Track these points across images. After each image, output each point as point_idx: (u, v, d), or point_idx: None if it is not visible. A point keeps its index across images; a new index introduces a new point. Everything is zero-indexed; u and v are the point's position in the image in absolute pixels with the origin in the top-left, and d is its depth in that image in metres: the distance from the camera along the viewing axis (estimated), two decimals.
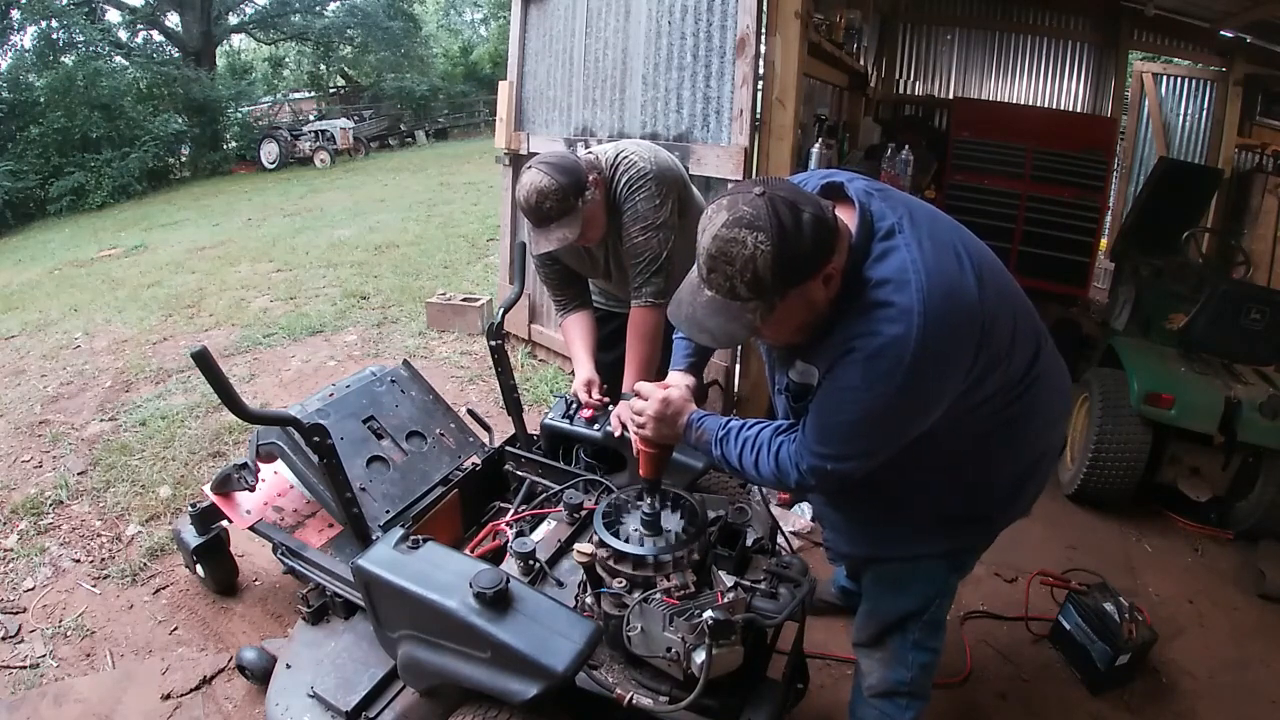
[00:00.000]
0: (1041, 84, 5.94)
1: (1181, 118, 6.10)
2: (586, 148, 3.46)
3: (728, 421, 1.39)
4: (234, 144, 15.77)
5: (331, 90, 21.85)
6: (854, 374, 1.13)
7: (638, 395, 1.46)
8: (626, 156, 1.97)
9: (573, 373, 2.16)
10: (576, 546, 1.46)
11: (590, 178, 1.89)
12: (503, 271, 4.33)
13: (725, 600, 1.29)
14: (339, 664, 1.66)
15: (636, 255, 1.97)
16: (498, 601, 1.25)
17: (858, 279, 1.13)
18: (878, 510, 1.45)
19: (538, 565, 1.58)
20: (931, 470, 1.36)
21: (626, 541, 1.37)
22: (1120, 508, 2.82)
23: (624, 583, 1.35)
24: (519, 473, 2.08)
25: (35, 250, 9.17)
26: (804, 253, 1.05)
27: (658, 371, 2.10)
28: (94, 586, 2.41)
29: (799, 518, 2.68)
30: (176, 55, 16.83)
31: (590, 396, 2.04)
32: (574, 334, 2.17)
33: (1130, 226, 4.63)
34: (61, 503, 2.87)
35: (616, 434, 1.90)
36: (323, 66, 22.17)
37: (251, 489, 2.03)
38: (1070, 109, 5.85)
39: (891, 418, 1.18)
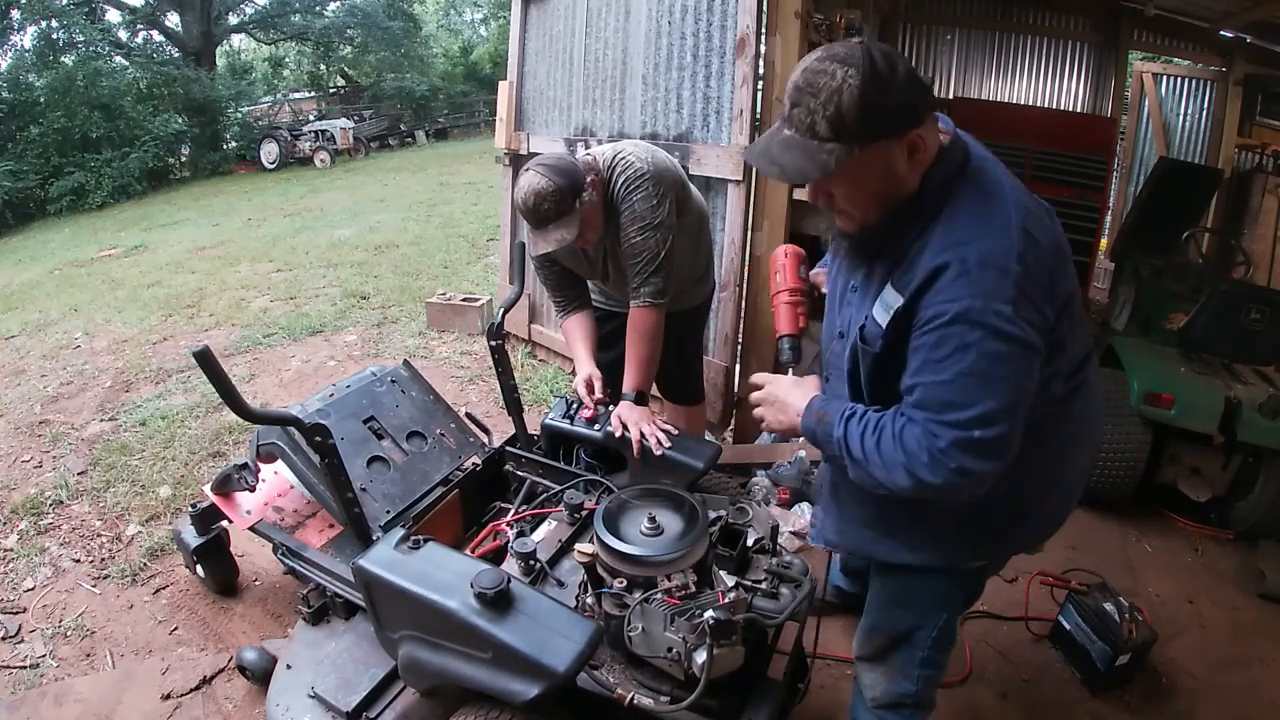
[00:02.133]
0: (1041, 84, 5.94)
1: (1181, 118, 6.10)
2: (586, 148, 3.46)
3: (855, 405, 1.20)
4: (234, 144, 15.77)
5: (331, 90, 21.85)
6: (961, 290, 1.00)
7: (753, 382, 1.36)
8: (624, 157, 1.98)
9: (573, 372, 2.17)
10: (577, 546, 1.46)
11: (588, 179, 1.89)
12: (503, 271, 4.33)
13: (726, 600, 1.29)
14: (339, 664, 1.66)
15: (635, 255, 1.97)
16: (498, 602, 1.25)
17: (946, 190, 1.06)
18: (896, 502, 1.21)
19: (538, 565, 1.58)
20: None
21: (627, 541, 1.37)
22: (1120, 508, 2.82)
23: (624, 583, 1.35)
24: (519, 473, 2.08)
25: (35, 250, 9.17)
26: (893, 101, 0.98)
27: (656, 372, 2.11)
28: (94, 586, 2.41)
29: (799, 518, 2.68)
30: (176, 55, 16.84)
31: (591, 394, 2.05)
32: (575, 333, 2.17)
33: (1130, 226, 4.63)
34: (61, 503, 2.87)
35: (617, 434, 1.91)
36: (323, 66, 22.17)
37: (252, 489, 2.03)
38: (1070, 109, 5.85)
39: (1016, 348, 1.01)
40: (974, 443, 1.02)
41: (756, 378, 1.36)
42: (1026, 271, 1.00)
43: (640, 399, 1.98)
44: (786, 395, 1.30)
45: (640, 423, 1.89)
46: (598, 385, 2.06)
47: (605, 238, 2.06)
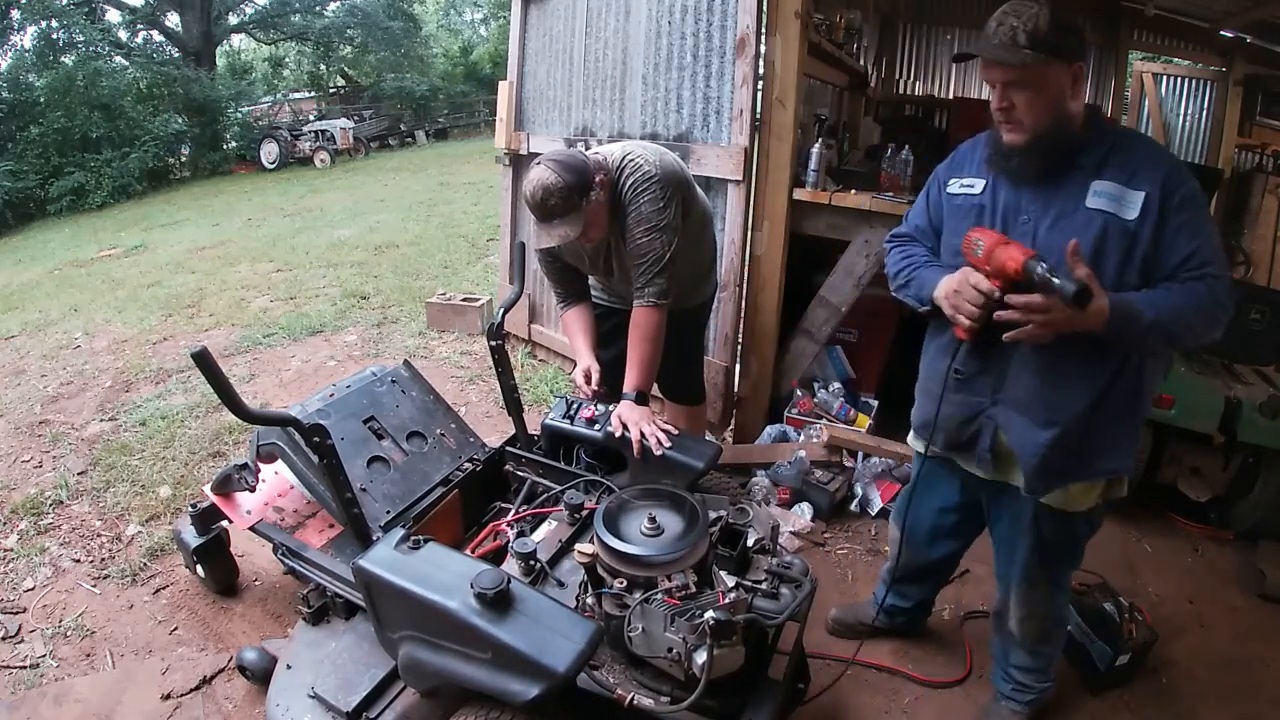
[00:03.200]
0: None
1: (1181, 118, 6.10)
2: (587, 148, 3.46)
3: (1141, 292, 1.33)
4: (234, 144, 15.77)
5: (331, 90, 21.85)
6: (1186, 177, 1.31)
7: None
8: (632, 159, 1.99)
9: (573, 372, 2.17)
10: (577, 547, 1.46)
11: (597, 178, 1.90)
12: (503, 271, 4.33)
13: (726, 601, 1.29)
14: (339, 664, 1.66)
15: (640, 256, 1.98)
16: (499, 602, 1.25)
17: (1112, 126, 1.40)
18: (1109, 407, 1.42)
19: (538, 565, 1.58)
20: (1143, 362, 1.41)
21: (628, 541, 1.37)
22: (1120, 508, 2.81)
23: (625, 583, 1.35)
24: (519, 473, 2.08)
25: (35, 250, 9.17)
26: (1070, 34, 1.30)
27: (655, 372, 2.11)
28: (94, 586, 2.41)
29: (799, 518, 2.68)
30: (176, 55, 16.84)
31: (589, 385, 2.07)
32: (575, 326, 2.20)
33: None
34: (61, 503, 2.87)
35: (617, 434, 1.90)
36: (323, 66, 22.17)
37: (252, 489, 2.03)
38: None
39: None
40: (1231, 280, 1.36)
41: (1015, 299, 1.31)
42: None
43: (641, 399, 1.98)
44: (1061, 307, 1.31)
45: (641, 423, 1.89)
46: (595, 376, 2.08)
47: (610, 236, 2.07)
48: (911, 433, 1.74)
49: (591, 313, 2.24)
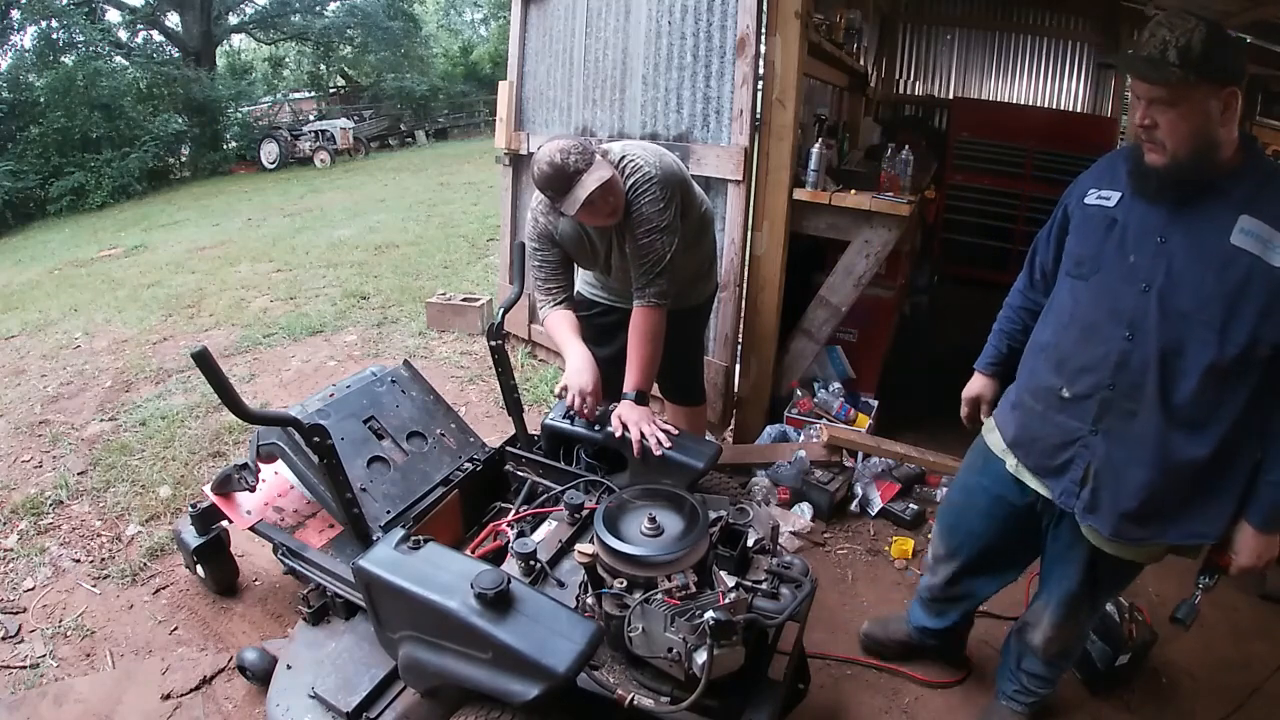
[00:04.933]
0: (1041, 84, 5.94)
1: None
2: None
3: None
4: (234, 144, 15.74)
5: (331, 90, 21.82)
6: None
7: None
8: (632, 159, 1.98)
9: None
10: (577, 547, 1.46)
11: (598, 158, 1.90)
12: (503, 271, 4.33)
13: (727, 601, 1.29)
14: (340, 664, 1.66)
15: (642, 257, 1.98)
16: (499, 602, 1.25)
17: (1267, 159, 1.29)
18: (1221, 461, 1.31)
19: (539, 566, 1.58)
20: (1256, 425, 1.30)
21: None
22: None
23: (625, 583, 1.35)
24: (520, 473, 2.08)
25: (35, 250, 9.16)
26: (1229, 55, 1.20)
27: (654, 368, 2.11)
28: (94, 586, 2.41)
29: (799, 518, 2.68)
30: (176, 55, 16.81)
31: (587, 392, 1.97)
32: (564, 327, 2.12)
33: None
34: (61, 503, 2.87)
35: (618, 434, 1.90)
36: (323, 66, 22.14)
37: (252, 489, 2.03)
38: (1070, 109, 5.85)
39: None
40: None
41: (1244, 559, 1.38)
42: None
43: (641, 399, 1.98)
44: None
45: (641, 423, 1.89)
46: (591, 400, 1.98)
47: (614, 231, 2.06)
48: (992, 432, 1.64)
49: (575, 316, 2.18)
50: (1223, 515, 1.35)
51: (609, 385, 2.07)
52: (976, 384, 1.79)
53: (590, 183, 1.81)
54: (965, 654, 2.08)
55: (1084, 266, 1.40)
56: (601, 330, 2.33)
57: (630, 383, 2.00)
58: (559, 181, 1.83)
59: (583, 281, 2.44)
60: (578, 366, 2.00)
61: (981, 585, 1.83)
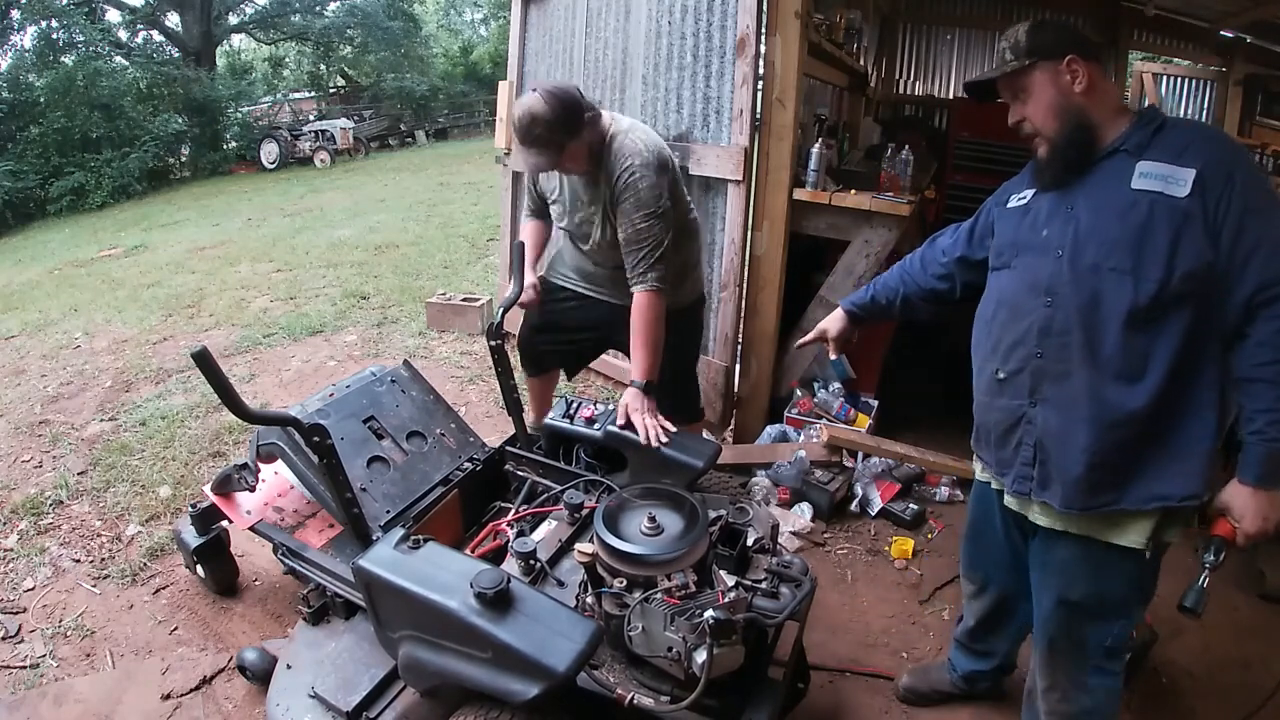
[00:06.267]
0: None
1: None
2: None
3: None
4: (234, 144, 15.74)
5: (331, 90, 21.83)
6: (1246, 161, 1.25)
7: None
8: (631, 140, 2.02)
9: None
10: (577, 546, 1.46)
11: (587, 116, 1.96)
12: (503, 271, 4.33)
13: (726, 600, 1.29)
14: (339, 664, 1.66)
15: (639, 241, 2.00)
16: (498, 602, 1.25)
17: (1157, 116, 1.32)
18: (1165, 414, 1.26)
19: (538, 565, 1.58)
20: (1218, 381, 1.26)
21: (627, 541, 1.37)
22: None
23: (624, 582, 1.35)
24: (519, 473, 2.08)
25: (35, 250, 9.16)
26: (1047, 33, 1.34)
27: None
28: (94, 586, 2.41)
29: (799, 518, 2.68)
30: (176, 55, 16.82)
31: (532, 293, 2.21)
32: (530, 237, 2.33)
33: None
34: (61, 503, 2.87)
35: (620, 422, 1.92)
36: (323, 66, 22.15)
37: (252, 489, 2.03)
38: None
39: None
40: None
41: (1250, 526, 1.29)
42: None
43: (649, 388, 1.97)
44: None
45: (644, 413, 1.89)
46: (531, 295, 2.22)
47: (597, 202, 2.10)
48: (978, 461, 1.62)
49: (547, 231, 2.39)
50: (1190, 475, 1.28)
51: (556, 356, 2.51)
52: (831, 317, 1.84)
53: (530, 163, 2.00)
54: (1003, 690, 1.96)
55: (1004, 255, 1.45)
56: (564, 310, 2.42)
57: (637, 371, 1.99)
58: (519, 135, 1.95)
59: (553, 269, 2.47)
60: (529, 275, 2.24)
61: (1024, 611, 1.66)
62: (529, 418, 2.49)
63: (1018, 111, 1.38)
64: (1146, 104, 1.47)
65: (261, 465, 2.01)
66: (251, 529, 2.03)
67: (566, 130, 1.91)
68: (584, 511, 1.76)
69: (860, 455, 2.89)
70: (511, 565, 1.58)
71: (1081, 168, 1.33)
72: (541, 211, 2.37)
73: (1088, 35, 1.42)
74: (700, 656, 1.23)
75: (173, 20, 17.45)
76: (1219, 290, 1.22)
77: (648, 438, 1.86)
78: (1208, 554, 1.34)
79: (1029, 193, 1.45)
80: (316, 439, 1.60)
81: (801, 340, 1.93)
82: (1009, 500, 1.49)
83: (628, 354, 2.13)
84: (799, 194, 2.79)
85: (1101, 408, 1.29)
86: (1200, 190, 1.19)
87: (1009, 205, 1.49)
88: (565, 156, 1.97)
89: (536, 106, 1.88)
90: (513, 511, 1.89)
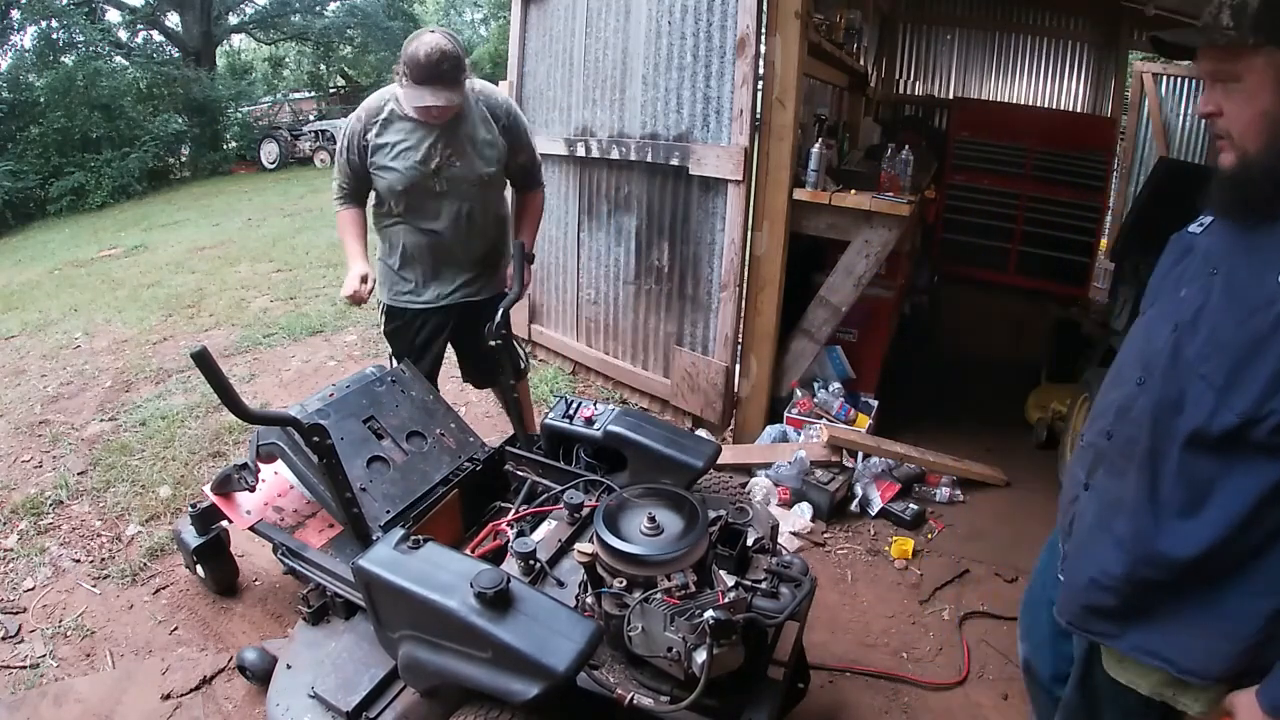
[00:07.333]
0: (1041, 84, 5.94)
1: (1181, 118, 6.10)
2: (587, 149, 3.46)
3: None
4: (234, 144, 15.74)
5: (331, 90, 21.82)
6: None
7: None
8: (493, 90, 2.30)
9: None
10: (577, 546, 1.46)
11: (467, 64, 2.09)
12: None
13: (726, 600, 1.29)
14: (339, 664, 1.66)
15: (533, 160, 2.43)
16: (498, 601, 1.25)
17: None
18: (1212, 571, 0.97)
19: (538, 565, 1.58)
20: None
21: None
22: None
23: (624, 582, 1.35)
24: (519, 473, 2.08)
25: (35, 250, 9.16)
26: None
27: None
28: (94, 586, 2.41)
29: (799, 518, 2.68)
30: (176, 55, 16.80)
31: (363, 289, 2.19)
32: (351, 228, 2.33)
33: (1130, 226, 4.62)
34: (61, 503, 2.87)
35: (529, 288, 2.32)
36: (323, 66, 22.14)
37: (252, 489, 2.03)
38: (1070, 109, 5.86)
39: None
40: None
41: None
42: None
43: (530, 258, 2.37)
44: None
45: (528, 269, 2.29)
46: (369, 285, 2.22)
47: (493, 134, 2.24)
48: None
49: (365, 218, 2.38)
50: (1211, 654, 0.99)
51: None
52: None
53: (443, 97, 2.00)
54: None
55: (1147, 300, 1.14)
56: (423, 335, 2.42)
57: (530, 244, 2.42)
58: (427, 73, 1.96)
59: (393, 293, 2.40)
60: (357, 265, 2.24)
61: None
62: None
63: (1213, 101, 0.99)
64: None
65: (261, 465, 2.01)
66: (251, 529, 2.03)
67: (464, 67, 2.02)
68: (584, 511, 1.76)
69: (860, 455, 2.89)
70: (511, 565, 1.58)
71: (1270, 212, 0.94)
72: (360, 195, 2.33)
73: None
74: (700, 656, 1.23)
75: (173, 20, 17.44)
76: None
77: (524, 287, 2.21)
78: None
79: (1208, 219, 1.09)
80: (316, 439, 1.60)
81: None
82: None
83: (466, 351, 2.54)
84: (799, 194, 2.79)
85: (1139, 540, 1.02)
86: None
87: (1189, 229, 1.13)
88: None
89: (445, 43, 1.96)
90: (513, 511, 1.88)
